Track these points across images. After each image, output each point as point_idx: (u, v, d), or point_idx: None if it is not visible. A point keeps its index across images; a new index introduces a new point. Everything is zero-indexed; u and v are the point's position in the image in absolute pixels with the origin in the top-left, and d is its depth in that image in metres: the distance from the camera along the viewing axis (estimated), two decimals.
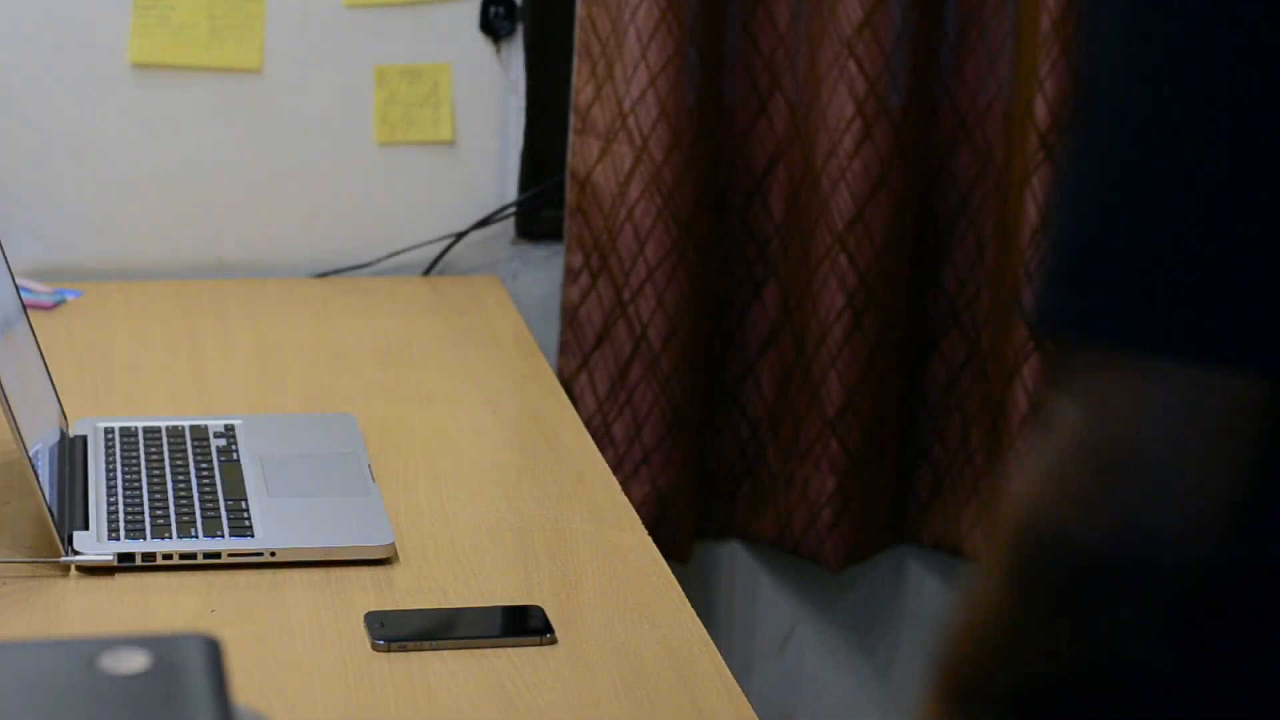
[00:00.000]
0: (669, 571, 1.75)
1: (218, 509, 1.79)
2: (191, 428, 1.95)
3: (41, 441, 1.77)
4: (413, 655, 1.59)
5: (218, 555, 1.72)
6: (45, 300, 2.36)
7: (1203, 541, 1.13)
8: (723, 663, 1.61)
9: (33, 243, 2.45)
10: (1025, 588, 1.20)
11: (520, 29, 2.50)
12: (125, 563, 1.71)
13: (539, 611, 1.66)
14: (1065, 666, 1.23)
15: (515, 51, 2.51)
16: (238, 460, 1.89)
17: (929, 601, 2.71)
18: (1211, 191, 1.11)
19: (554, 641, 1.62)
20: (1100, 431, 1.13)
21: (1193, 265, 1.11)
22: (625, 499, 1.90)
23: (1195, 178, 1.11)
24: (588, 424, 2.25)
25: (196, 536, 1.74)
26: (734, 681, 1.58)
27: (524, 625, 1.64)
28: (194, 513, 1.78)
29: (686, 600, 1.71)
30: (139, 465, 1.86)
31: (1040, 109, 2.45)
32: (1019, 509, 1.18)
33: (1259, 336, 1.11)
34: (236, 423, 1.97)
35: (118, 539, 1.73)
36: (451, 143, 2.52)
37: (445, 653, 1.59)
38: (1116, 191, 1.14)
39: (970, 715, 1.28)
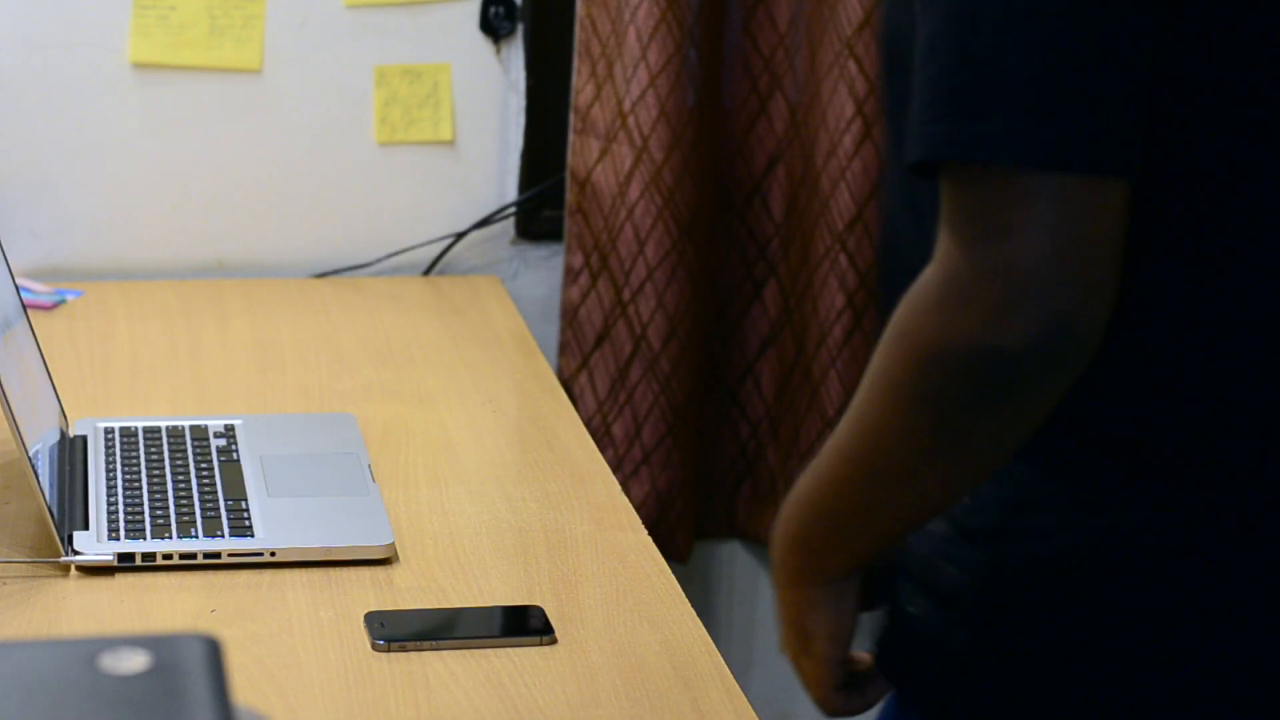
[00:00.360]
0: (669, 571, 1.75)
1: (218, 509, 1.79)
2: (191, 428, 1.95)
3: (41, 441, 1.77)
4: (413, 655, 1.59)
5: (218, 555, 1.72)
6: (45, 300, 2.36)
7: (1098, 333, 1.27)
8: (723, 663, 1.61)
9: (33, 243, 2.45)
10: (939, 408, 1.31)
11: (520, 29, 2.50)
12: (125, 563, 1.71)
13: (539, 611, 1.66)
14: (972, 478, 1.36)
15: (515, 51, 2.51)
16: (238, 460, 1.89)
17: None
18: (1070, 9, 1.24)
19: (554, 641, 1.62)
20: (1005, 248, 1.25)
21: (1063, 82, 1.24)
22: (625, 499, 1.90)
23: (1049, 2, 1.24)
24: (588, 424, 2.25)
25: (196, 536, 1.74)
26: (734, 681, 1.58)
27: (524, 625, 1.64)
28: (194, 513, 1.78)
29: (686, 600, 1.71)
30: (139, 465, 1.86)
31: None
32: (923, 337, 1.29)
33: (1121, 143, 1.25)
34: (236, 423, 1.97)
35: (118, 539, 1.73)
36: (451, 143, 2.52)
37: (445, 653, 1.59)
38: (987, 18, 1.25)
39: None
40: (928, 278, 1.30)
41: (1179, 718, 1.39)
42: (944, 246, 1.29)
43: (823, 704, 1.52)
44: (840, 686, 1.51)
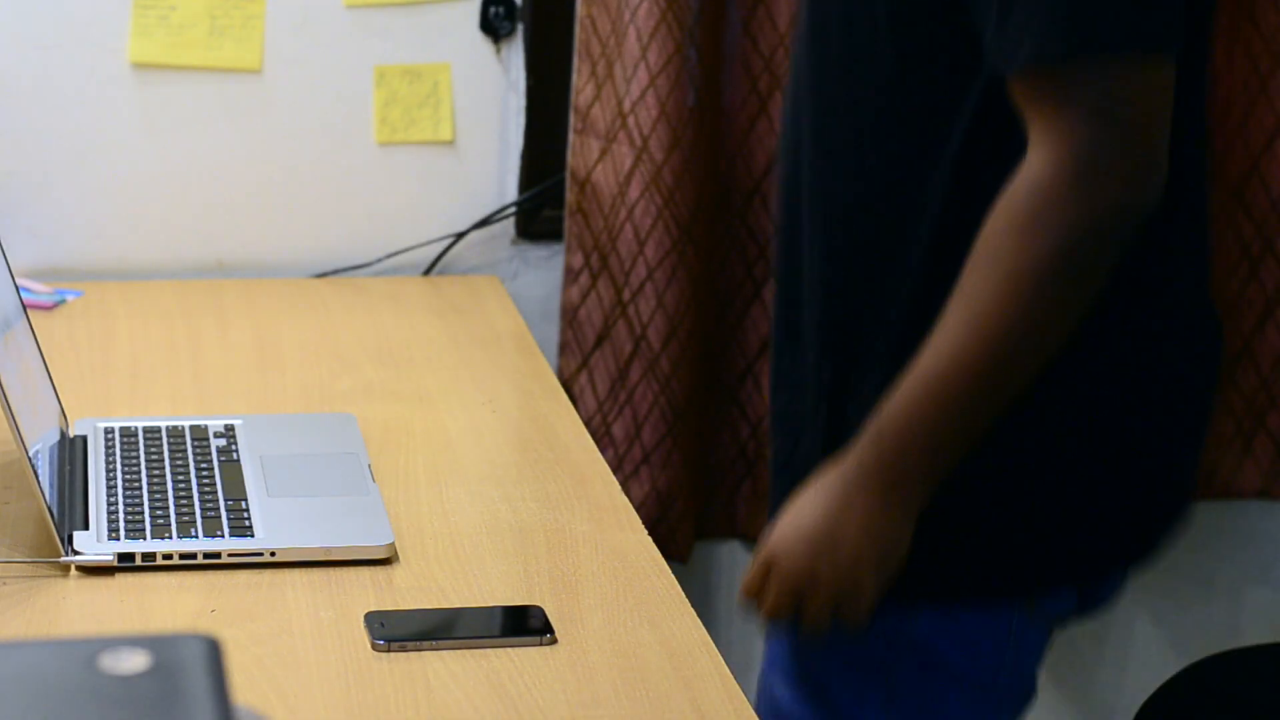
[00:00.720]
0: (669, 571, 1.75)
1: (218, 509, 1.79)
2: (191, 428, 1.95)
3: (41, 441, 1.77)
4: (412, 655, 1.59)
5: (218, 555, 1.72)
6: (45, 300, 2.36)
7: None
8: (723, 663, 1.61)
9: (33, 243, 2.45)
10: (1089, 271, 1.56)
11: (520, 29, 2.50)
12: (125, 563, 1.71)
13: (539, 611, 1.66)
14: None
15: (515, 51, 2.51)
16: (238, 460, 1.89)
17: None
18: None
19: (554, 641, 1.62)
20: (1129, 119, 1.53)
21: None
22: (625, 499, 1.90)
23: None
24: (588, 424, 2.25)
25: (196, 536, 1.74)
26: (734, 681, 1.58)
27: (524, 625, 1.64)
28: (194, 513, 1.78)
29: (686, 600, 1.71)
30: (139, 465, 1.86)
31: None
32: (1068, 215, 1.52)
33: (1175, 27, 1.55)
34: (236, 423, 1.97)
35: (118, 539, 1.73)
36: (451, 143, 2.52)
37: (445, 653, 1.59)
38: None
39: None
40: (1041, 171, 1.53)
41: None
42: (1063, 134, 1.53)
43: (862, 623, 1.63)
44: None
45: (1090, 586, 1.76)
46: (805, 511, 1.65)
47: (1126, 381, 1.68)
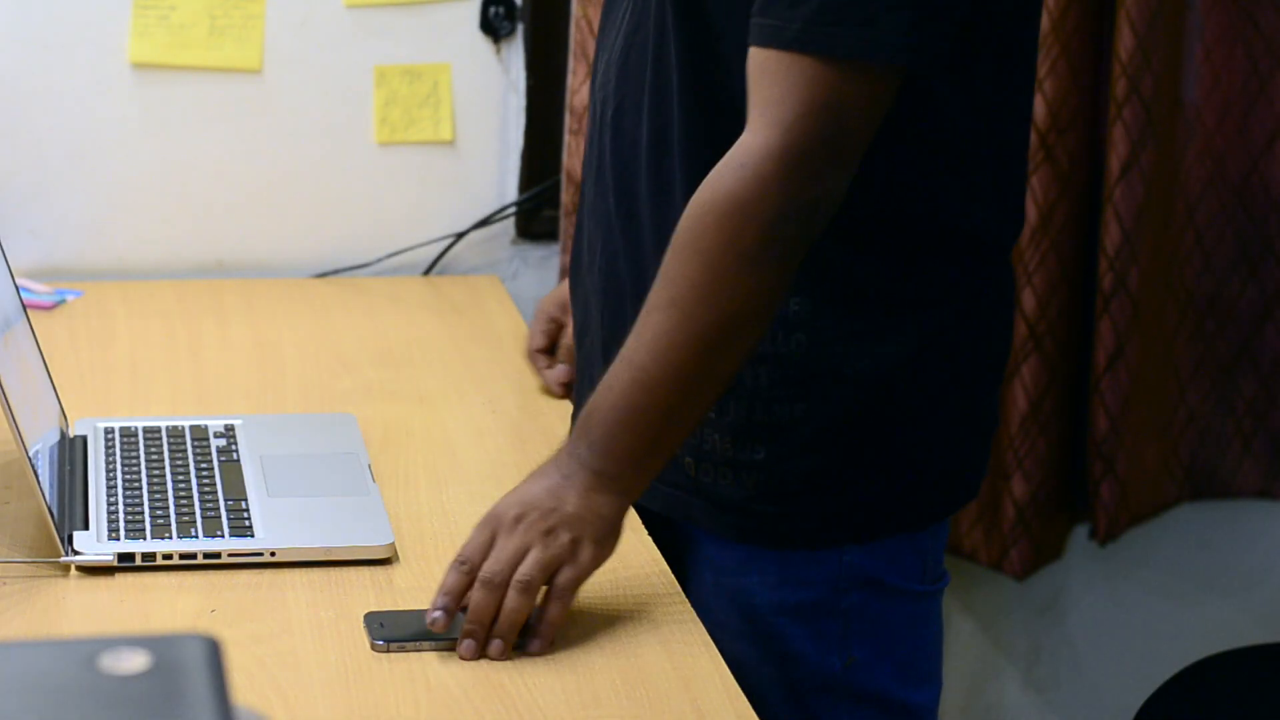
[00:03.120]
0: (669, 571, 1.75)
1: (218, 509, 1.79)
2: (191, 428, 1.95)
3: (41, 441, 1.77)
4: (412, 655, 1.59)
5: (218, 555, 1.72)
6: (45, 300, 2.36)
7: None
8: (723, 663, 1.61)
9: (33, 243, 2.45)
10: (790, 252, 1.60)
11: (520, 29, 2.50)
12: (125, 563, 1.71)
13: (536, 612, 1.65)
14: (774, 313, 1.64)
15: (515, 51, 2.51)
16: (238, 460, 1.89)
17: None
18: None
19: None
20: (846, 122, 1.58)
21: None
22: None
23: None
24: None
25: (196, 536, 1.74)
26: (734, 681, 1.58)
27: (523, 625, 1.64)
28: (194, 513, 1.78)
29: (687, 600, 1.71)
30: (139, 465, 1.86)
31: (1040, 109, 2.45)
32: (773, 197, 1.57)
33: (921, 45, 1.59)
34: (236, 423, 1.97)
35: (118, 539, 1.73)
36: (451, 143, 2.52)
37: (445, 652, 1.59)
38: None
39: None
40: (752, 156, 1.57)
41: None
42: (782, 123, 1.57)
43: (574, 588, 1.63)
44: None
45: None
46: (528, 488, 1.65)
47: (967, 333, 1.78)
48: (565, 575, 1.61)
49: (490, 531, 1.63)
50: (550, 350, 2.10)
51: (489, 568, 1.60)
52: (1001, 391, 2.56)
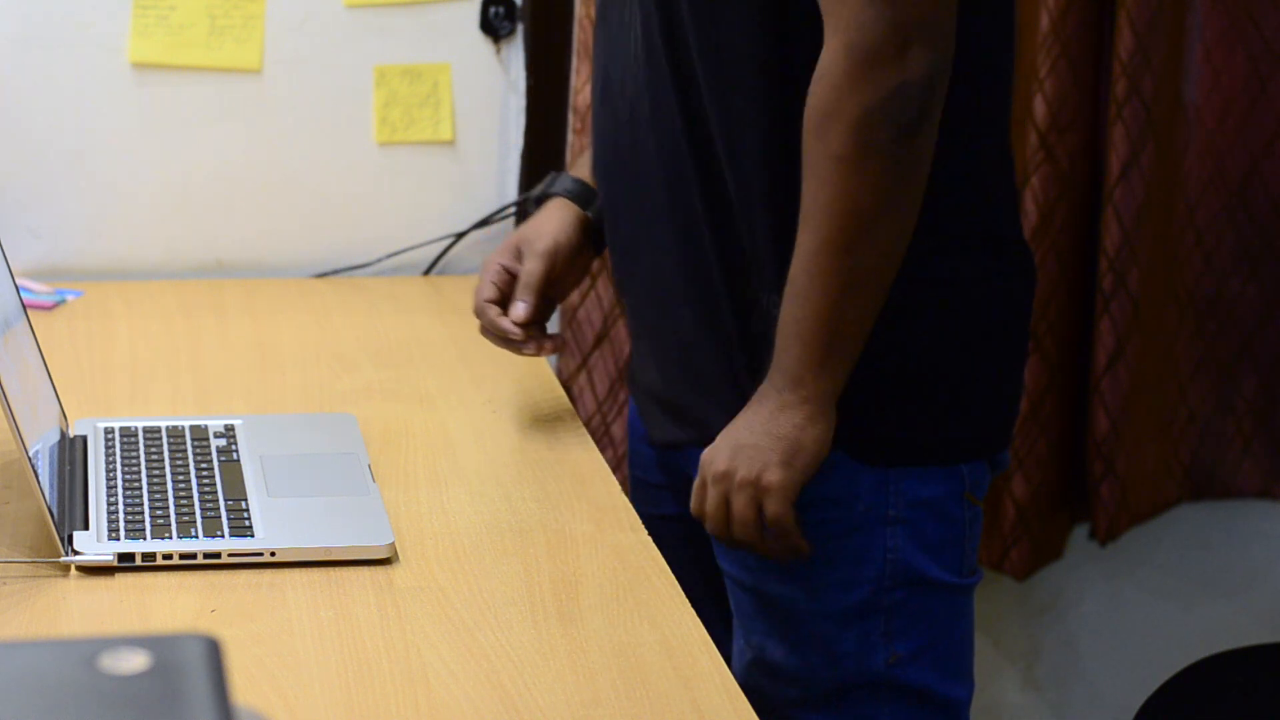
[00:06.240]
0: (669, 571, 1.75)
1: (218, 509, 1.79)
2: (191, 428, 1.95)
3: (41, 441, 1.77)
4: (413, 655, 1.59)
5: (218, 555, 1.72)
6: (45, 300, 2.36)
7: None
8: (723, 663, 1.61)
9: (33, 243, 2.45)
10: (915, 141, 1.68)
11: (520, 29, 2.50)
12: (125, 563, 1.71)
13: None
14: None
15: (515, 51, 2.51)
16: (238, 460, 1.89)
17: None
18: None
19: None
20: (886, 5, 1.64)
21: None
22: (625, 499, 1.90)
23: None
24: (587, 424, 2.25)
25: (196, 536, 1.74)
26: (734, 681, 1.58)
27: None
28: (194, 513, 1.78)
29: (687, 600, 1.71)
30: (139, 465, 1.86)
31: (1040, 109, 2.45)
32: (880, 88, 1.65)
33: None
34: (236, 423, 1.97)
35: (118, 539, 1.73)
36: (451, 143, 2.52)
37: (445, 652, 1.59)
38: None
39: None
40: (828, 63, 1.65)
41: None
42: (846, 23, 1.65)
43: (783, 517, 1.76)
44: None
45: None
46: (723, 435, 1.80)
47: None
48: (768, 508, 1.76)
49: (701, 480, 1.79)
50: (501, 303, 2.03)
51: (709, 519, 1.79)
52: None
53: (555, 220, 2.03)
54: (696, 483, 1.81)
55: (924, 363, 1.82)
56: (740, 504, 1.77)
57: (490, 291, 2.01)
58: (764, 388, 1.77)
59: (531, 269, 1.99)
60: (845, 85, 1.66)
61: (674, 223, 1.86)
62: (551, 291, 2.03)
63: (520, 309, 1.99)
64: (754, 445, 1.76)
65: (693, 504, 1.82)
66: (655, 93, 1.83)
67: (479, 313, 2.02)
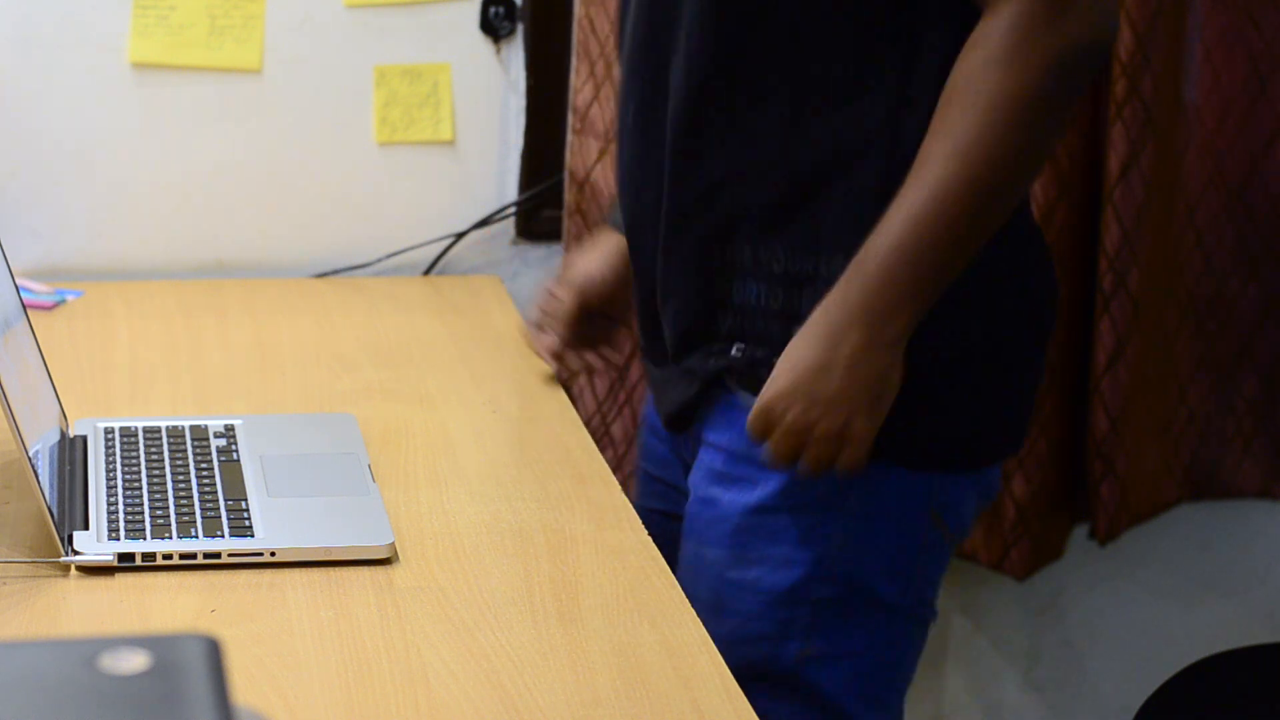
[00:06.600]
0: (669, 571, 1.75)
1: (218, 509, 1.79)
2: (191, 428, 1.95)
3: (41, 441, 1.77)
4: (413, 654, 1.59)
5: (218, 555, 1.72)
6: (45, 300, 2.36)
7: None
8: (723, 663, 1.61)
9: (33, 243, 2.45)
10: (1068, 94, 1.68)
11: (520, 29, 2.50)
12: (125, 563, 1.71)
13: None
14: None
15: (515, 51, 2.51)
16: (238, 460, 1.89)
17: None
18: None
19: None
20: None
21: None
22: (625, 499, 1.90)
23: None
24: (587, 424, 2.24)
25: (196, 536, 1.74)
26: (734, 681, 1.58)
27: None
28: (194, 513, 1.78)
29: (686, 600, 1.71)
30: (139, 465, 1.86)
31: None
32: (1053, 43, 1.63)
33: None
34: (236, 423, 1.97)
35: (118, 539, 1.73)
36: (451, 143, 2.52)
37: (445, 652, 1.59)
38: None
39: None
40: (1016, 9, 1.63)
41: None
42: None
43: (860, 466, 1.72)
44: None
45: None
46: (796, 355, 1.73)
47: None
48: (845, 458, 1.72)
49: (766, 414, 1.73)
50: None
51: (774, 460, 1.74)
52: None
53: (596, 250, 2.10)
54: (757, 411, 1.75)
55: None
56: (817, 455, 1.72)
57: (536, 315, 2.15)
58: (836, 318, 1.71)
59: (561, 300, 2.10)
60: (1043, 23, 1.64)
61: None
62: (606, 311, 2.09)
63: (545, 339, 2.13)
64: (836, 395, 1.70)
65: (751, 431, 1.77)
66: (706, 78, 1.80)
67: (524, 335, 2.20)
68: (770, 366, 1.77)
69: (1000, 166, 1.66)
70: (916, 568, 1.81)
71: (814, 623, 1.80)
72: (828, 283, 1.75)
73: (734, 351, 1.83)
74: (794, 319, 1.77)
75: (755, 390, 1.80)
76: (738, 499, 1.83)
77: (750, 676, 1.76)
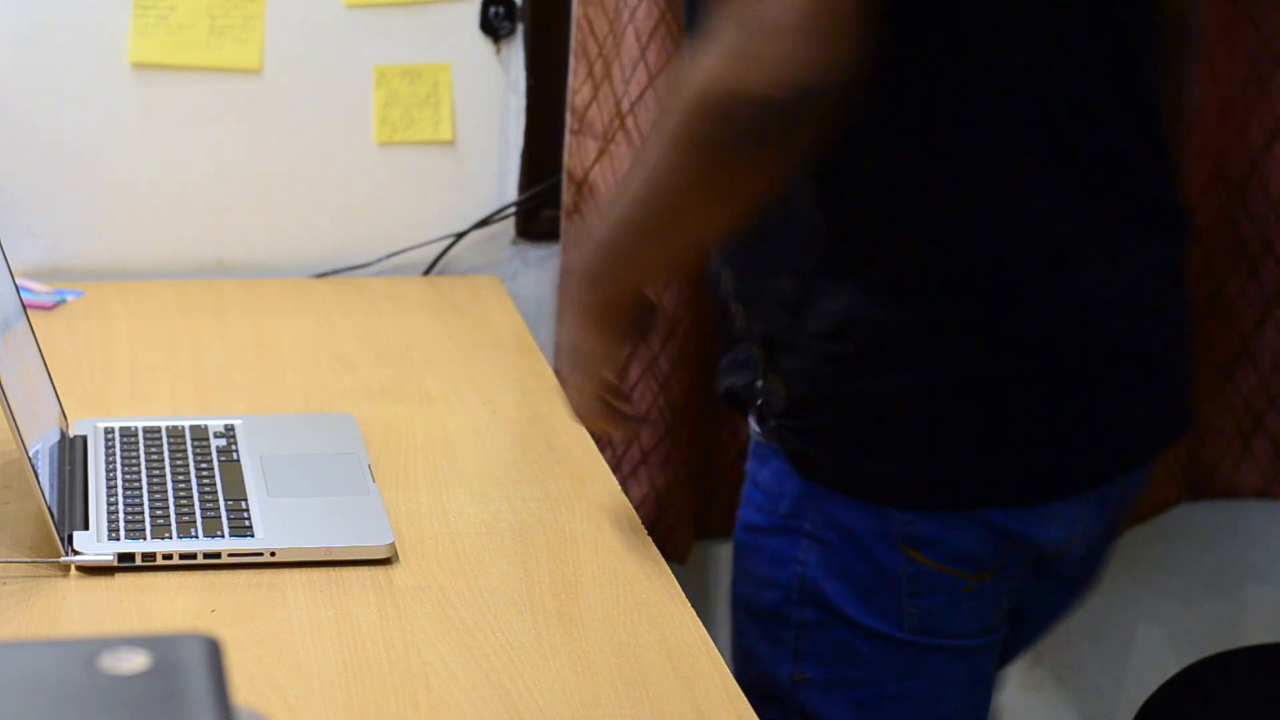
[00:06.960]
0: (669, 571, 1.76)
1: (218, 509, 1.79)
2: (191, 428, 1.95)
3: (41, 441, 1.77)
4: (413, 654, 1.59)
5: (218, 555, 1.72)
6: (45, 300, 2.36)
7: (845, 85, 1.52)
8: (723, 662, 1.61)
9: (33, 243, 2.45)
10: (713, 149, 1.56)
11: (520, 29, 2.50)
12: (125, 563, 1.71)
13: None
14: (737, 211, 1.64)
15: (515, 51, 2.51)
16: (238, 460, 1.89)
17: None
18: None
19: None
20: (757, 7, 1.50)
21: None
22: (625, 499, 1.90)
23: None
24: None
25: (196, 536, 1.74)
26: (734, 681, 1.58)
27: None
28: (194, 513, 1.78)
29: (686, 600, 1.71)
30: (139, 465, 1.87)
31: None
32: (696, 88, 1.54)
33: None
34: (236, 423, 1.97)
35: (118, 539, 1.73)
36: (451, 143, 2.52)
37: (445, 652, 1.59)
38: None
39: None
40: (693, 59, 1.55)
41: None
42: (714, 31, 1.53)
43: (581, 408, 1.76)
44: (601, 402, 1.77)
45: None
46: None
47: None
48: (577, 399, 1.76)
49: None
50: None
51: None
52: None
53: None
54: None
55: (853, 388, 1.72)
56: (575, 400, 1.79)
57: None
58: (568, 276, 1.75)
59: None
60: (699, 69, 1.54)
61: None
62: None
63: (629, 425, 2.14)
64: (563, 339, 1.76)
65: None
66: None
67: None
68: (751, 389, 1.82)
69: (666, 193, 1.61)
70: (903, 598, 1.77)
71: (800, 646, 1.80)
72: (759, 303, 1.76)
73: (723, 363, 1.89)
74: (746, 338, 1.81)
75: (744, 411, 1.85)
76: (740, 516, 1.85)
77: (759, 695, 1.77)
